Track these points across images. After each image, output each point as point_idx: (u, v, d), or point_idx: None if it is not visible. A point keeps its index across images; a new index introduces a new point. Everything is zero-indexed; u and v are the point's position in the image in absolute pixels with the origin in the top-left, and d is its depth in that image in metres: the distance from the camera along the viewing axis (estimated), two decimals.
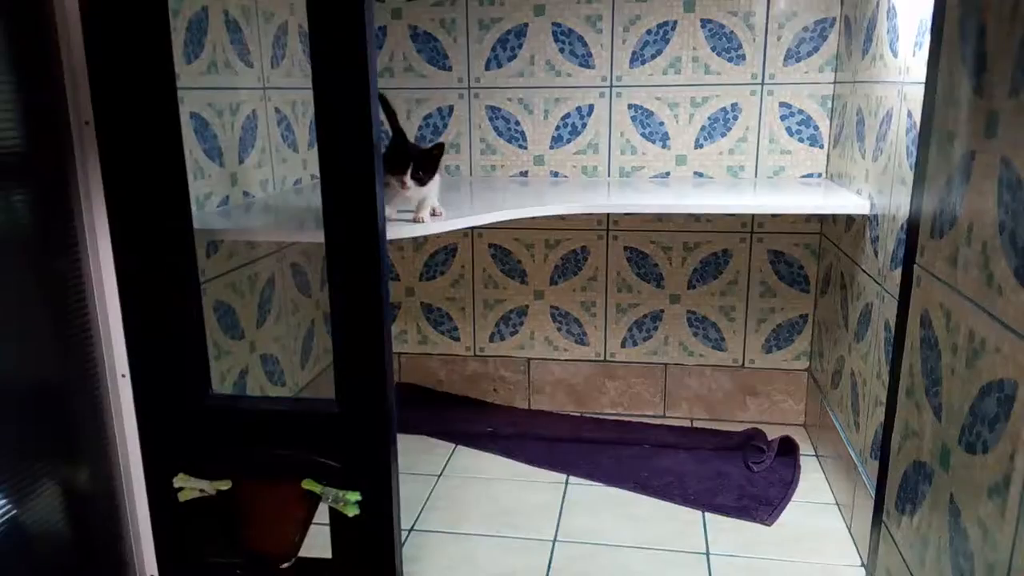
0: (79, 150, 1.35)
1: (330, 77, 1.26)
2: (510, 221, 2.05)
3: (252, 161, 1.98)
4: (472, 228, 2.55)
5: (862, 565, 1.76)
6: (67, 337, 1.38)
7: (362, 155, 1.28)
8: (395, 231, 1.60)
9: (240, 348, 1.95)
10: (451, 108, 2.48)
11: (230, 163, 1.87)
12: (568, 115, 2.42)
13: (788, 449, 2.29)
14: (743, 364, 2.53)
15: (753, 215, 2.41)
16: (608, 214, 2.48)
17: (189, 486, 1.48)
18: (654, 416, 2.61)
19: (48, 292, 1.34)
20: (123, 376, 1.46)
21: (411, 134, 2.47)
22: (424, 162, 1.63)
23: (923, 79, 1.40)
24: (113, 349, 1.44)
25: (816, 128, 2.31)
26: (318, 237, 1.44)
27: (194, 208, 1.63)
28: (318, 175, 1.32)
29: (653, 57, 2.34)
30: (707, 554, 1.84)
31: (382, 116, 1.49)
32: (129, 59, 1.31)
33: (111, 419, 1.48)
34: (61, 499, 1.38)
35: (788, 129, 2.33)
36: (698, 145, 2.39)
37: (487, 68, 2.43)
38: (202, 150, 1.76)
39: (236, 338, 1.93)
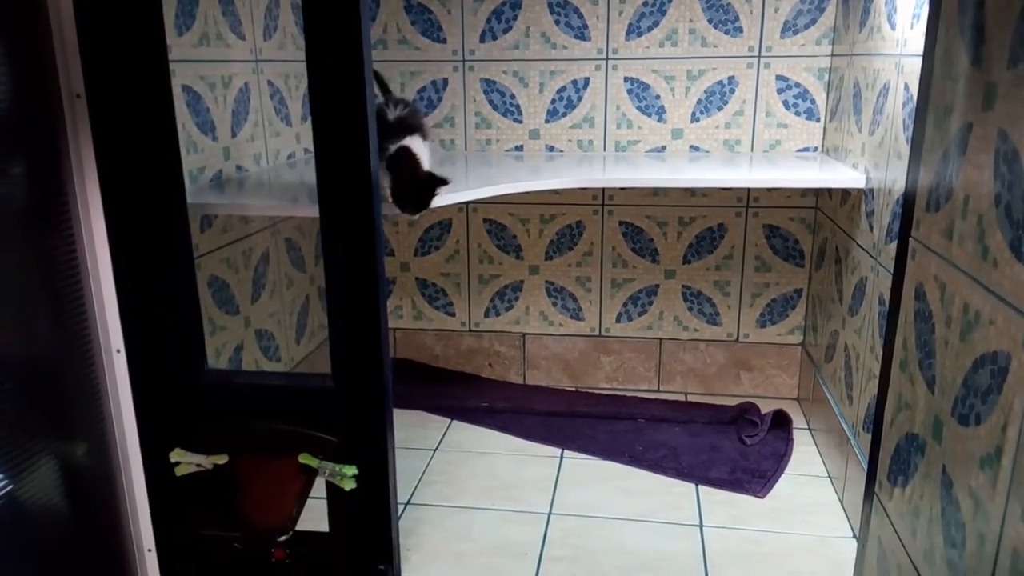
0: (70, 124, 1.33)
1: (323, 49, 1.24)
2: (505, 196, 2.04)
3: (245, 135, 1.96)
4: (467, 203, 2.54)
5: (854, 536, 1.78)
6: (61, 313, 1.38)
7: (356, 128, 1.27)
8: (390, 206, 1.59)
9: (235, 323, 1.95)
10: (445, 81, 2.45)
11: (223, 137, 1.86)
12: (564, 88, 2.41)
13: (781, 422, 2.31)
14: (737, 338, 2.54)
15: (749, 189, 2.40)
16: (603, 189, 2.47)
17: (185, 461, 1.48)
18: (648, 390, 2.62)
19: (41, 268, 1.33)
20: (118, 351, 1.45)
21: None
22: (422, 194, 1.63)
23: (920, 52, 1.39)
24: (108, 324, 1.44)
25: (813, 101, 2.30)
26: (312, 212, 1.43)
27: (187, 182, 1.62)
28: (312, 149, 1.31)
29: (649, 29, 2.32)
30: (700, 526, 1.85)
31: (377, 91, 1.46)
32: (120, 30, 1.29)
33: (107, 394, 1.47)
34: (57, 475, 1.38)
35: (785, 102, 2.32)
36: (694, 119, 2.37)
37: (482, 40, 2.40)
38: (195, 124, 1.74)
39: (231, 313, 1.93)
